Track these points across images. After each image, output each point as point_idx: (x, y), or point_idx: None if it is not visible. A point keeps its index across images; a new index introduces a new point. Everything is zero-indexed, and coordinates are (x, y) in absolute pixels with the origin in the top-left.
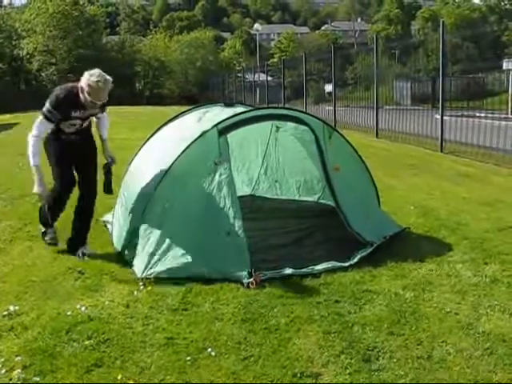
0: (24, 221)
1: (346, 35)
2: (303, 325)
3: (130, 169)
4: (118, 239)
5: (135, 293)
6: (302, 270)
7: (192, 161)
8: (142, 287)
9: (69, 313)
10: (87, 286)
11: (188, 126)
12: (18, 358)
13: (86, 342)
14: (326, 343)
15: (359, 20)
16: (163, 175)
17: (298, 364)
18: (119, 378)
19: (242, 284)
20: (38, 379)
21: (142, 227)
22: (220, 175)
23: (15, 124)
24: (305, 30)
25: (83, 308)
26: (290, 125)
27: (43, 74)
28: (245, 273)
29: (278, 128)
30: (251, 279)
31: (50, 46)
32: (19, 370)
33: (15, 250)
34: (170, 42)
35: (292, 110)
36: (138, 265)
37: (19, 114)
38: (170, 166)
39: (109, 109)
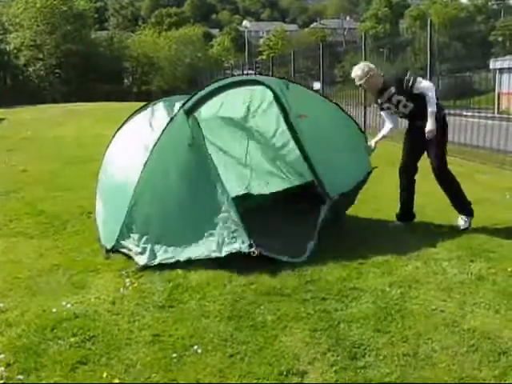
0: (9, 217)
1: (335, 33)
2: (290, 322)
3: (103, 164)
4: (106, 235)
5: (121, 290)
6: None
7: (167, 148)
8: (128, 284)
9: (54, 310)
10: (73, 283)
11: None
12: (2, 355)
13: (71, 340)
14: (312, 340)
15: (348, 18)
16: (143, 169)
17: (284, 361)
18: (104, 375)
19: (245, 254)
20: (21, 377)
21: (135, 219)
22: (197, 155)
23: (1, 119)
24: (294, 27)
25: (69, 305)
26: (256, 100)
27: (30, 69)
28: (245, 244)
29: (248, 110)
30: (253, 249)
31: (38, 41)
32: (2, 368)
33: (0, 247)
34: (159, 38)
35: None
36: (140, 255)
37: (5, 110)
38: (147, 160)
39: (96, 105)
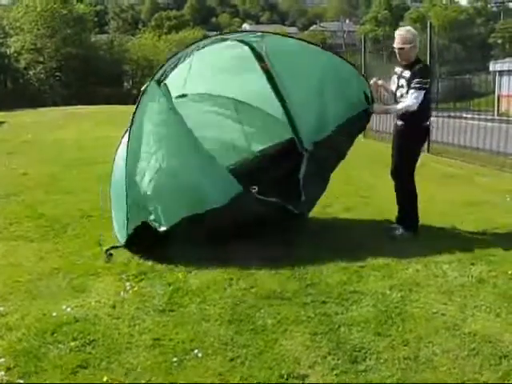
0: (10, 220)
1: (335, 36)
2: (290, 326)
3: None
4: (120, 226)
5: (122, 293)
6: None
7: (145, 120)
8: (128, 288)
9: (54, 313)
10: (73, 287)
11: None
12: (2, 359)
13: (72, 344)
14: (312, 344)
15: (347, 21)
16: (127, 146)
17: (284, 365)
18: (105, 379)
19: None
20: (22, 381)
21: (137, 197)
22: (172, 120)
23: (2, 123)
24: (293, 30)
25: (69, 309)
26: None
27: (31, 73)
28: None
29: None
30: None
31: (38, 45)
32: (3, 372)
33: (0, 250)
34: (159, 41)
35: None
36: (151, 222)
37: (6, 113)
38: (129, 136)
39: (97, 108)
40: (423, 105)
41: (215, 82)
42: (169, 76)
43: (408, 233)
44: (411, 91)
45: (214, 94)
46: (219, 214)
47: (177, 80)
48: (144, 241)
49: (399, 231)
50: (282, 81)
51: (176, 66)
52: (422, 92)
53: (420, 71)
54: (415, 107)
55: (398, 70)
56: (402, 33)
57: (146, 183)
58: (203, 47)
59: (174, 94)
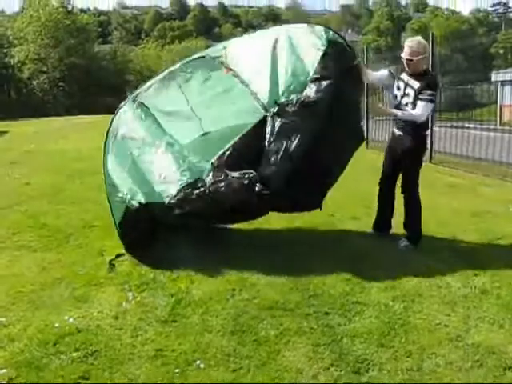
0: (12, 230)
1: None
2: (293, 337)
3: None
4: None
5: (124, 304)
6: None
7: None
8: (130, 298)
9: (56, 324)
10: (76, 297)
11: None
12: (4, 370)
13: (74, 354)
14: (315, 355)
15: (350, 31)
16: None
17: (287, 376)
18: None
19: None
20: None
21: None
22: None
23: (5, 132)
24: None
25: (71, 319)
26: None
27: (34, 83)
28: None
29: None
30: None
31: (42, 55)
32: (5, 383)
33: (3, 260)
34: (162, 51)
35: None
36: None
37: (10, 122)
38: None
39: (100, 118)
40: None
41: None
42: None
43: (412, 244)
44: (422, 103)
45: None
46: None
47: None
48: (145, 249)
49: (404, 243)
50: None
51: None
52: (432, 105)
53: (431, 84)
54: (423, 118)
55: (404, 77)
56: (411, 44)
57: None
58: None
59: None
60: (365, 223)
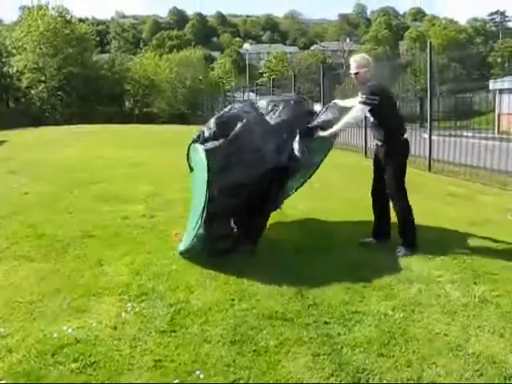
0: (11, 240)
1: (335, 55)
2: (292, 347)
3: None
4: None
5: (123, 314)
6: None
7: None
8: (129, 309)
9: (55, 335)
10: (74, 307)
11: None
12: (2, 381)
13: (73, 365)
14: (315, 365)
15: (348, 40)
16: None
17: None
18: None
19: None
20: None
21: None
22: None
23: (3, 142)
24: (294, 49)
25: (70, 330)
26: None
27: (33, 92)
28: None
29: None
30: None
31: (40, 64)
32: None
33: (1, 270)
34: (160, 60)
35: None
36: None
37: (8, 132)
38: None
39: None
40: (394, 121)
41: None
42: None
43: (409, 251)
44: (357, 106)
45: None
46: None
47: None
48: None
49: (401, 252)
50: None
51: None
52: (366, 107)
53: (366, 89)
54: (359, 119)
55: (360, 94)
56: (357, 59)
57: None
58: None
59: None
60: (364, 232)
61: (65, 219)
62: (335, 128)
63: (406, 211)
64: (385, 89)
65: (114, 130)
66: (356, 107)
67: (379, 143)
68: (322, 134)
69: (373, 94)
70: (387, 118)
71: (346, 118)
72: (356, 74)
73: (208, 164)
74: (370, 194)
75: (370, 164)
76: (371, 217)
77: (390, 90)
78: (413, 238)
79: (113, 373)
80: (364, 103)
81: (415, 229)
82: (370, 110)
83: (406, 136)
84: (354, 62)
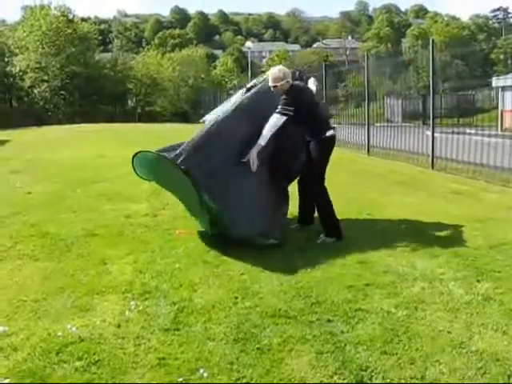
0: (14, 239)
1: (337, 53)
2: (296, 345)
3: None
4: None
5: (127, 313)
6: None
7: None
8: (133, 307)
9: (59, 333)
10: (78, 306)
11: None
12: (7, 380)
13: (77, 364)
14: (318, 363)
15: (350, 38)
16: None
17: None
18: None
19: None
20: None
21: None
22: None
23: (6, 141)
24: (296, 47)
25: (74, 328)
26: None
27: (35, 91)
28: None
29: None
30: None
31: (43, 63)
32: None
33: (5, 269)
34: (162, 59)
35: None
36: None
37: (11, 131)
38: None
39: (101, 126)
40: (315, 124)
41: None
42: None
43: (330, 239)
44: (274, 115)
45: None
46: None
47: None
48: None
49: (320, 239)
50: None
51: None
52: (282, 117)
53: (282, 101)
54: (278, 126)
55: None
56: (273, 72)
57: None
58: None
59: None
60: (365, 230)
61: (68, 218)
62: (264, 138)
63: (325, 200)
64: (302, 99)
65: (117, 128)
66: (274, 116)
67: (308, 139)
68: (259, 142)
69: (288, 105)
70: (308, 122)
71: (268, 126)
72: (274, 87)
73: (192, 182)
74: (368, 190)
75: (371, 161)
76: (371, 213)
77: (312, 96)
78: (332, 225)
79: (117, 371)
80: (280, 113)
81: (337, 219)
82: (291, 116)
83: (330, 133)
84: (271, 75)
